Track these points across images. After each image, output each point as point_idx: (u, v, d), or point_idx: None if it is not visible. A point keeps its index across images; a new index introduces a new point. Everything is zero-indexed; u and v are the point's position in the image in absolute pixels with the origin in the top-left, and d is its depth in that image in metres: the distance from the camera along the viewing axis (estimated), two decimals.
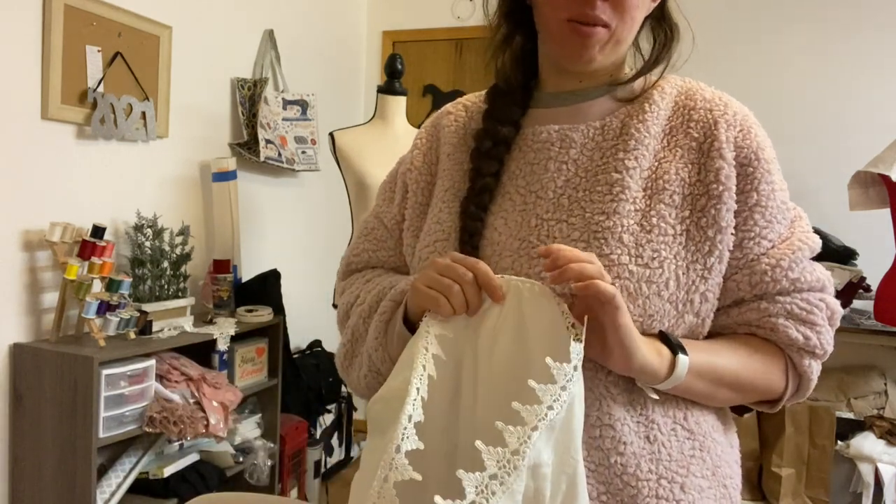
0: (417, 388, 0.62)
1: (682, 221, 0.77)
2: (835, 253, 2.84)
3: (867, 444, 2.64)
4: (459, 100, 0.97)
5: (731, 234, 0.78)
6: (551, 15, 0.80)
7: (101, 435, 1.89)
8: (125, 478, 2.05)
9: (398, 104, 2.35)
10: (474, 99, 0.96)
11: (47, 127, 2.05)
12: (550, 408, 0.59)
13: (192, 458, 2.22)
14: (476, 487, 0.55)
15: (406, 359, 0.69)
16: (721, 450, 0.82)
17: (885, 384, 2.77)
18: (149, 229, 2.26)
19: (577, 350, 0.64)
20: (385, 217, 0.97)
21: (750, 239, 0.79)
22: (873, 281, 2.71)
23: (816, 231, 3.18)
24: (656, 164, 0.80)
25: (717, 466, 0.80)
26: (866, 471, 2.64)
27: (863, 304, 2.84)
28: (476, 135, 0.88)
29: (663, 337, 0.75)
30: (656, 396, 0.75)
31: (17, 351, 1.97)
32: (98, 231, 2.06)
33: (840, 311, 0.85)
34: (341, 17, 3.60)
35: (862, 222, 2.86)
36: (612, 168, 0.79)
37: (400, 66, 2.35)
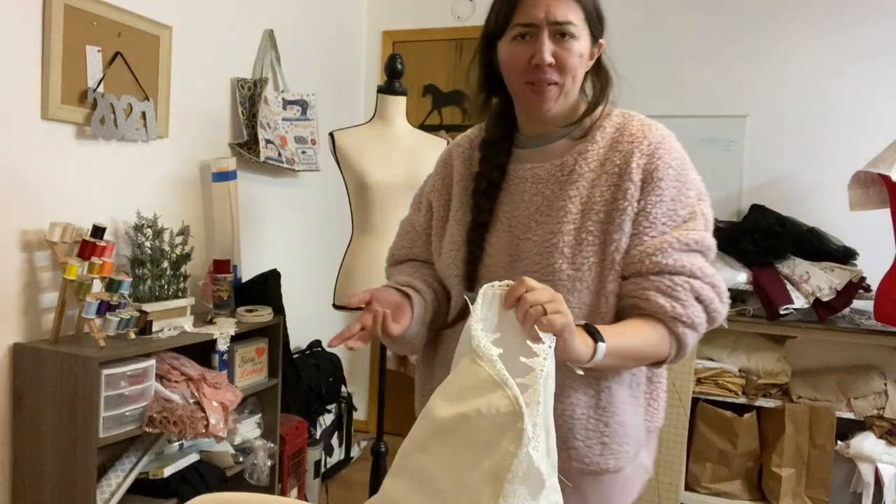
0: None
1: (604, 232, 1.03)
2: (835, 253, 2.84)
3: (867, 444, 2.64)
4: (465, 134, 1.25)
5: (629, 234, 1.03)
6: (514, 80, 1.07)
7: (101, 435, 1.89)
8: (125, 478, 2.05)
9: (398, 104, 2.35)
10: (476, 132, 1.23)
11: (47, 127, 2.05)
12: (543, 362, 0.79)
13: (192, 458, 2.22)
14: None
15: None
16: (625, 405, 1.09)
17: (885, 384, 2.77)
18: (149, 229, 2.26)
19: (548, 338, 0.84)
20: (416, 223, 1.27)
21: (636, 235, 1.03)
22: (873, 281, 2.72)
23: (816, 231, 3.15)
24: (591, 189, 1.05)
25: (618, 410, 1.08)
26: (866, 471, 2.64)
27: (863, 304, 2.84)
28: (475, 177, 1.15)
29: (587, 328, 0.95)
30: (581, 373, 0.97)
31: (17, 351, 1.97)
32: (98, 231, 2.06)
33: (712, 297, 1.03)
34: (341, 17, 3.60)
35: (862, 222, 2.86)
36: (562, 197, 1.06)
37: (400, 66, 2.35)
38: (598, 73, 1.14)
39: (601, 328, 0.96)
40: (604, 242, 1.03)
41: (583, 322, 0.97)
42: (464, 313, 1.06)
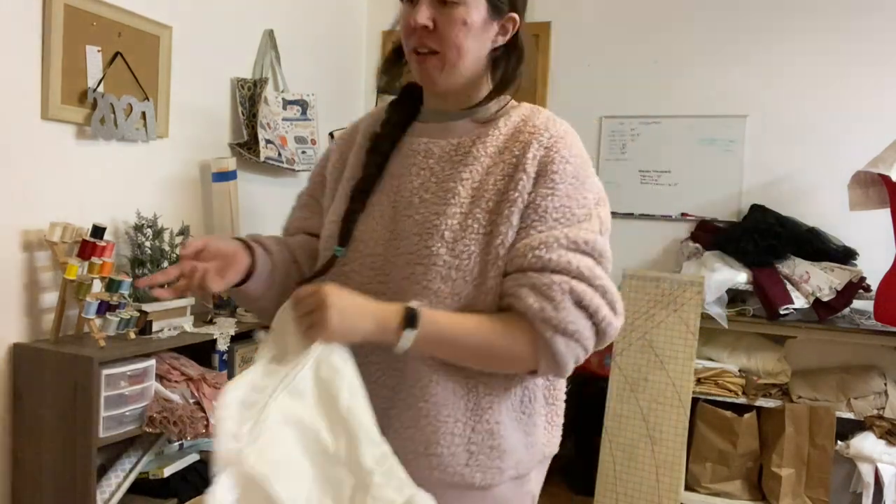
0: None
1: (491, 223, 0.96)
2: (835, 253, 2.84)
3: (867, 444, 2.64)
4: (373, 110, 1.19)
5: (516, 228, 0.96)
6: (404, 46, 1.02)
7: (101, 435, 1.89)
8: (125, 478, 2.05)
9: None
10: (383, 108, 1.16)
11: (47, 127, 2.05)
12: (286, 375, 0.87)
13: (192, 458, 2.22)
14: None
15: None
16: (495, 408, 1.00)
17: (885, 384, 2.77)
18: (149, 229, 2.26)
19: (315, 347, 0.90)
20: (315, 194, 1.20)
21: (524, 228, 0.96)
22: (873, 281, 2.72)
23: (816, 231, 3.16)
24: (485, 176, 0.99)
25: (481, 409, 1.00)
26: (866, 471, 2.64)
27: (863, 304, 2.84)
28: (372, 136, 1.10)
29: (408, 311, 0.91)
30: (400, 352, 0.93)
31: (17, 351, 1.97)
32: (98, 231, 2.06)
33: (598, 305, 0.93)
34: (341, 17, 3.60)
35: (862, 222, 2.86)
36: (453, 178, 1.00)
37: None
38: (510, 53, 1.04)
39: (433, 315, 0.92)
40: (489, 234, 0.96)
41: (415, 304, 0.92)
42: (327, 268, 1.02)
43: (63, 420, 1.90)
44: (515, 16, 1.02)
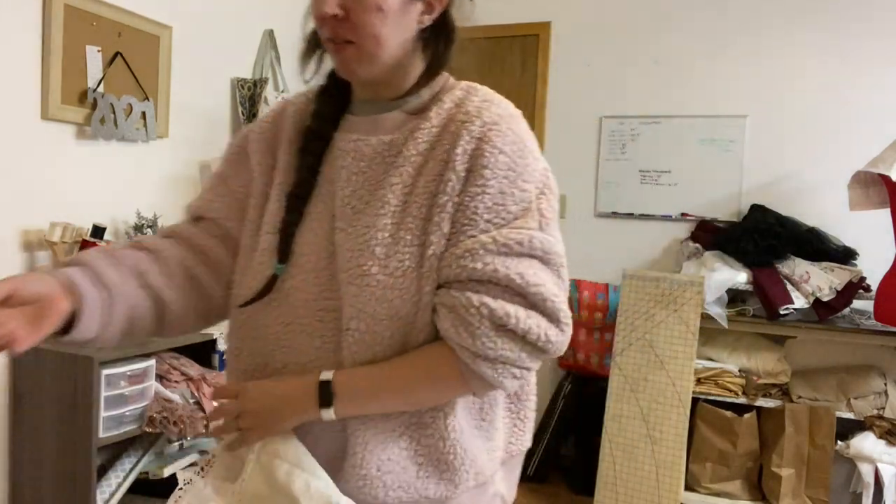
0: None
1: (423, 231, 0.85)
2: (835, 253, 2.85)
3: (867, 444, 2.64)
4: (301, 93, 1.03)
5: (448, 233, 0.85)
6: (321, 37, 0.90)
7: (101, 435, 1.89)
8: (125, 478, 2.05)
9: None
10: (312, 93, 1.01)
11: (47, 127, 2.05)
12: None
13: (192, 457, 2.22)
14: None
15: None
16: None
17: (885, 384, 2.77)
18: (149, 229, 2.26)
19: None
20: (231, 182, 1.02)
21: (454, 234, 0.85)
22: (873, 281, 2.72)
23: (816, 231, 3.15)
24: (416, 177, 0.87)
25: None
26: (866, 471, 2.64)
27: (863, 304, 2.84)
28: (303, 132, 0.96)
29: (322, 388, 0.85)
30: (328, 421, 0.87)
31: None
32: (98, 231, 2.06)
33: (528, 326, 0.81)
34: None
35: (862, 222, 2.86)
36: (383, 183, 0.88)
37: None
38: (437, 34, 0.91)
39: (350, 381, 0.85)
40: (422, 244, 0.84)
41: (328, 376, 0.85)
42: (268, 287, 0.91)
43: (63, 420, 1.90)
44: None
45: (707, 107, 3.21)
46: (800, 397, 2.81)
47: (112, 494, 2.00)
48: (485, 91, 0.93)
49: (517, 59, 3.51)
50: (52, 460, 1.92)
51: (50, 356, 1.92)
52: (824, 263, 2.81)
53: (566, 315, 0.83)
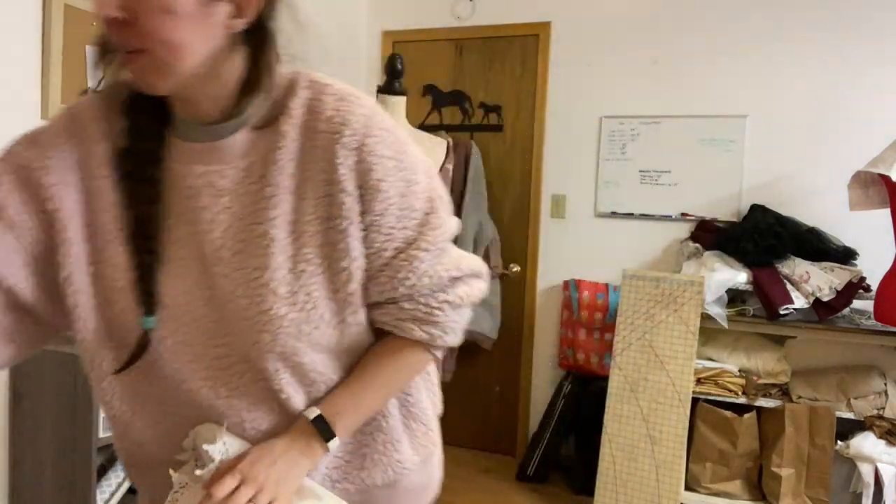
0: None
1: (325, 258, 0.80)
2: (835, 253, 2.85)
3: (867, 444, 2.64)
4: (86, 102, 0.84)
5: (362, 254, 0.82)
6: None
7: (101, 435, 1.89)
8: (125, 478, 2.05)
9: (398, 104, 2.35)
10: (112, 104, 0.83)
11: None
12: None
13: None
14: None
15: None
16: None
17: (885, 384, 2.77)
18: None
19: None
20: (18, 233, 0.79)
21: (372, 253, 0.82)
22: (873, 281, 2.72)
23: (816, 231, 3.14)
24: (298, 203, 0.80)
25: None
26: (866, 471, 2.64)
27: (863, 304, 2.84)
28: (119, 156, 0.80)
29: (318, 424, 0.84)
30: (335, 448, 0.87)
31: None
32: None
33: (470, 293, 0.89)
34: (341, 17, 3.60)
35: (862, 222, 2.86)
36: (260, 218, 0.79)
37: (400, 67, 2.35)
38: (252, 37, 0.78)
39: (335, 404, 0.85)
40: (330, 270, 0.80)
41: (316, 413, 0.84)
42: (142, 347, 0.80)
43: (63, 420, 1.90)
44: None
45: (707, 107, 3.21)
46: (800, 397, 2.81)
47: (112, 494, 2.00)
48: (332, 87, 0.83)
49: (517, 59, 3.51)
50: (52, 460, 1.92)
51: (50, 356, 1.92)
52: (824, 263, 2.81)
53: (478, 262, 0.91)
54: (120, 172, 0.80)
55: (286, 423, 0.85)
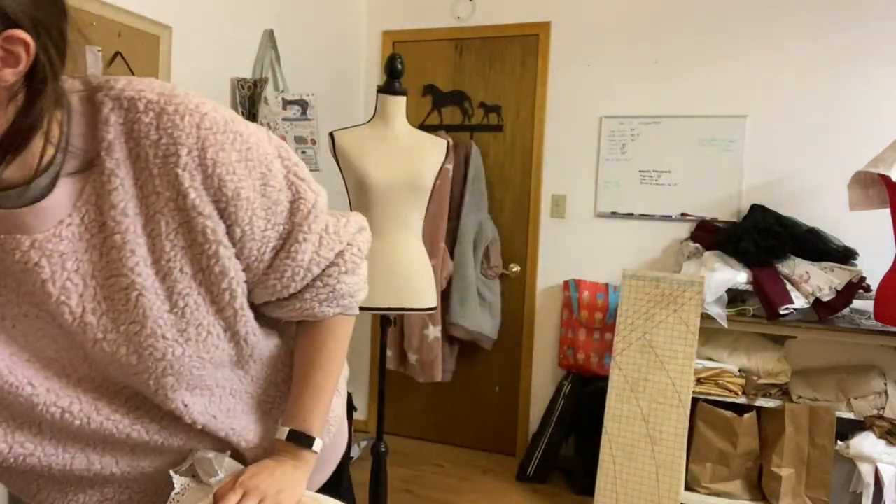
0: None
1: (201, 285, 0.76)
2: (835, 253, 2.85)
3: (867, 444, 2.64)
4: None
5: (240, 269, 0.79)
6: None
7: None
8: None
9: (398, 104, 2.35)
10: None
11: None
12: None
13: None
14: None
15: None
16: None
17: (885, 384, 2.77)
18: None
19: None
20: None
21: (252, 262, 0.79)
22: (873, 281, 2.72)
23: (816, 231, 3.13)
24: (152, 241, 0.73)
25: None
26: (866, 471, 2.64)
27: (863, 304, 2.84)
28: None
29: (295, 437, 0.87)
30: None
31: None
32: None
33: (355, 260, 0.89)
34: (341, 17, 3.60)
35: (862, 222, 2.86)
36: (117, 271, 0.72)
37: (400, 67, 2.35)
38: (29, 83, 0.65)
39: (298, 410, 0.88)
40: (210, 295, 0.77)
41: (285, 434, 0.87)
42: None
43: None
44: (21, 35, 0.61)
45: (707, 107, 3.21)
46: (800, 397, 2.81)
47: None
48: (138, 99, 0.71)
49: (517, 59, 3.51)
50: None
51: None
52: (824, 263, 2.81)
53: (354, 222, 0.91)
54: None
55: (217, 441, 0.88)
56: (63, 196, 0.69)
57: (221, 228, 0.74)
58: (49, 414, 0.75)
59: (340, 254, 0.86)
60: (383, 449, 2.42)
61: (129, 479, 0.87)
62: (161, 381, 0.77)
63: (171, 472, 0.84)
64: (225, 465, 0.86)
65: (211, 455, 0.86)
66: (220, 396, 0.86)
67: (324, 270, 0.85)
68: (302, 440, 0.87)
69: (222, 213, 0.74)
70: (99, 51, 2.18)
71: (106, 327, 0.73)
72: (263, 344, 0.88)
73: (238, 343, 0.83)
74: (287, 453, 0.87)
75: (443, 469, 3.41)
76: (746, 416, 2.81)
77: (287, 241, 0.80)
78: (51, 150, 0.68)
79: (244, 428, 0.89)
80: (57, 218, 0.70)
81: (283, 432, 0.88)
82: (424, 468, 3.41)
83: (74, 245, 0.71)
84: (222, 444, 0.89)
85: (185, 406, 0.81)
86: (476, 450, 3.65)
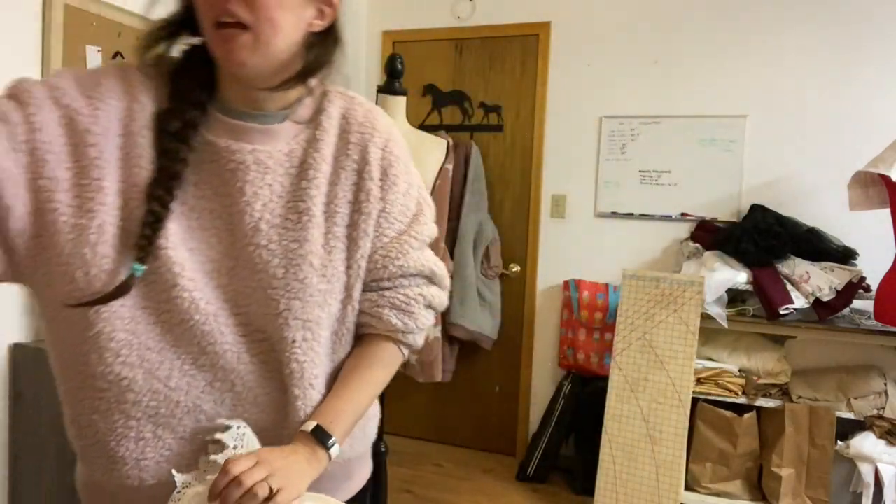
0: None
1: (348, 238, 0.93)
2: (835, 253, 2.85)
3: (867, 444, 2.64)
4: (128, 65, 0.90)
5: (374, 236, 0.95)
6: (205, 19, 0.83)
7: None
8: None
9: (398, 104, 2.35)
10: (153, 69, 0.89)
11: None
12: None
13: None
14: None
15: None
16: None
17: (885, 384, 2.77)
18: None
19: None
20: (19, 130, 0.78)
21: (377, 236, 0.95)
22: (873, 281, 2.72)
23: (816, 231, 3.16)
24: (330, 188, 0.92)
25: None
26: (866, 471, 2.64)
27: (863, 304, 2.84)
28: (161, 116, 0.85)
29: (316, 434, 0.89)
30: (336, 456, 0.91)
31: (17, 351, 1.97)
32: None
33: (441, 297, 1.02)
34: (341, 17, 3.60)
35: (862, 222, 2.86)
36: (300, 196, 0.90)
37: (400, 67, 2.35)
38: (326, 39, 0.90)
39: (327, 413, 0.91)
40: (350, 249, 0.93)
41: (312, 426, 0.89)
42: (125, 288, 0.81)
43: (63, 420, 1.90)
44: (335, 0, 0.88)
45: (707, 107, 3.21)
46: (800, 397, 2.81)
47: None
48: (359, 98, 1.00)
49: (517, 59, 3.51)
50: (52, 460, 1.92)
51: None
52: (824, 263, 2.81)
53: (448, 280, 1.04)
54: (158, 130, 0.85)
55: (274, 411, 0.91)
56: (286, 131, 0.92)
57: (378, 196, 0.94)
58: (186, 302, 0.84)
59: (429, 280, 1.01)
60: (383, 449, 2.42)
61: (202, 431, 0.89)
62: (290, 303, 0.87)
63: (173, 472, 0.84)
64: (240, 427, 0.86)
65: (233, 435, 0.86)
66: (318, 353, 0.91)
67: (411, 283, 0.98)
68: (324, 438, 0.89)
69: (381, 188, 0.95)
70: (99, 51, 2.18)
71: (270, 237, 0.88)
72: (350, 334, 0.96)
73: (345, 308, 0.94)
74: (305, 447, 0.88)
75: (443, 469, 3.41)
76: (746, 416, 2.81)
77: (402, 234, 0.97)
78: (295, 96, 0.92)
79: (314, 398, 0.92)
80: (275, 143, 0.90)
81: (309, 425, 0.89)
82: (424, 468, 3.41)
83: (276, 167, 0.89)
84: (285, 410, 0.91)
85: (294, 342, 0.88)
86: (476, 450, 3.65)
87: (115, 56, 2.23)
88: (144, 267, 0.82)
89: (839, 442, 2.71)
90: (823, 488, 2.72)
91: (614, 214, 3.37)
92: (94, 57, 2.16)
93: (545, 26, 3.44)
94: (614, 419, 2.81)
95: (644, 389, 2.79)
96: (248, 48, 0.82)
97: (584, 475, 3.09)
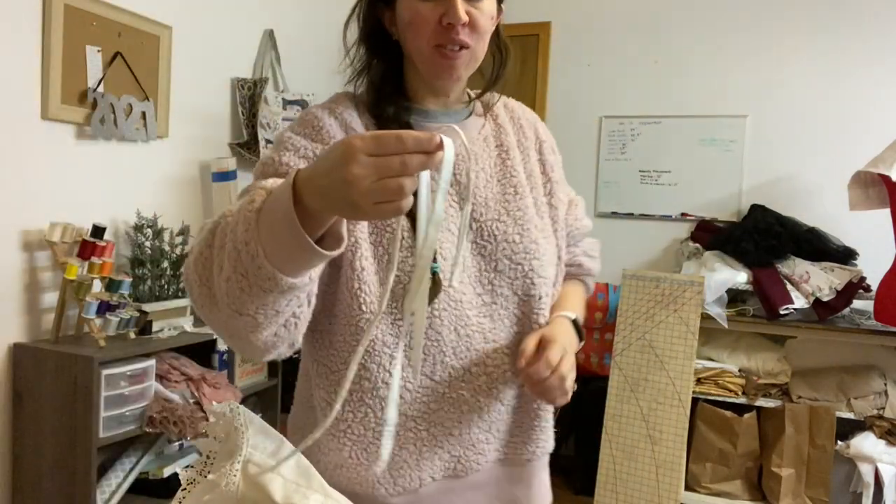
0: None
1: (547, 204, 1.06)
2: (835, 253, 2.85)
3: (867, 444, 2.64)
4: (328, 105, 1.00)
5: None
6: (422, 43, 0.93)
7: (101, 435, 1.89)
8: (125, 478, 2.05)
9: None
10: (344, 102, 1.00)
11: (47, 127, 2.05)
12: None
13: (192, 458, 2.22)
14: None
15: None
16: None
17: (885, 384, 2.77)
18: (149, 229, 2.26)
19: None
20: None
21: (558, 202, 1.07)
22: (873, 281, 2.72)
23: (816, 231, 3.17)
24: (525, 164, 1.05)
25: None
26: (866, 471, 2.64)
27: (863, 304, 2.84)
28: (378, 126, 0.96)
29: (575, 325, 1.03)
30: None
31: (17, 351, 1.97)
32: (98, 231, 2.06)
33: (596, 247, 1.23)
34: (341, 16, 3.59)
35: (862, 222, 2.86)
36: (508, 173, 1.02)
37: None
38: (498, 43, 1.02)
39: (571, 310, 1.05)
40: (550, 213, 1.05)
41: (573, 316, 1.03)
42: (438, 287, 0.91)
43: (63, 420, 1.90)
44: (503, 7, 1.01)
45: (707, 107, 3.21)
46: (800, 397, 2.81)
47: (112, 494, 2.00)
48: (512, 100, 1.13)
49: (517, 59, 3.50)
50: (52, 460, 1.92)
51: (50, 356, 1.92)
52: (824, 263, 2.81)
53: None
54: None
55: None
56: (473, 123, 1.04)
57: (555, 169, 1.09)
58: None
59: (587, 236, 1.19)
60: None
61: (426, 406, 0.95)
62: (532, 263, 0.98)
63: (178, 470, 0.85)
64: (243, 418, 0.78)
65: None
66: (548, 306, 1.02)
67: (582, 240, 1.16)
68: (578, 329, 1.03)
69: (554, 162, 1.09)
70: (99, 51, 2.17)
71: (499, 211, 0.98)
72: (544, 301, 1.01)
73: (558, 269, 1.04)
74: (568, 328, 1.01)
75: None
76: (746, 416, 2.81)
77: (572, 202, 1.15)
78: (488, 90, 1.05)
79: (506, 375, 1.00)
80: (471, 133, 1.02)
81: (569, 315, 1.02)
82: None
83: (481, 151, 1.02)
84: (496, 377, 0.99)
85: (540, 299, 0.98)
86: None
87: (115, 56, 2.23)
88: (437, 264, 0.93)
89: (839, 442, 2.71)
90: (823, 488, 2.72)
91: (614, 214, 3.37)
92: (94, 57, 2.16)
93: (545, 26, 3.43)
94: (614, 419, 2.81)
95: (644, 389, 2.79)
96: (466, 64, 0.95)
97: (583, 475, 3.09)
